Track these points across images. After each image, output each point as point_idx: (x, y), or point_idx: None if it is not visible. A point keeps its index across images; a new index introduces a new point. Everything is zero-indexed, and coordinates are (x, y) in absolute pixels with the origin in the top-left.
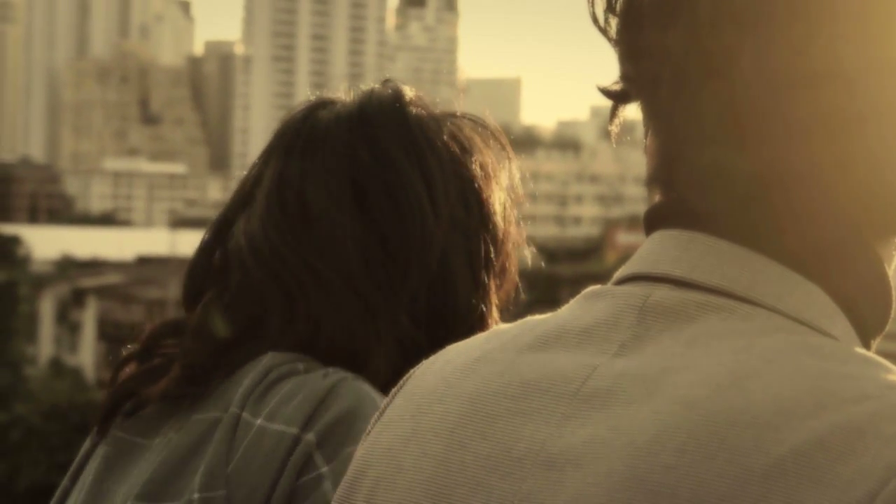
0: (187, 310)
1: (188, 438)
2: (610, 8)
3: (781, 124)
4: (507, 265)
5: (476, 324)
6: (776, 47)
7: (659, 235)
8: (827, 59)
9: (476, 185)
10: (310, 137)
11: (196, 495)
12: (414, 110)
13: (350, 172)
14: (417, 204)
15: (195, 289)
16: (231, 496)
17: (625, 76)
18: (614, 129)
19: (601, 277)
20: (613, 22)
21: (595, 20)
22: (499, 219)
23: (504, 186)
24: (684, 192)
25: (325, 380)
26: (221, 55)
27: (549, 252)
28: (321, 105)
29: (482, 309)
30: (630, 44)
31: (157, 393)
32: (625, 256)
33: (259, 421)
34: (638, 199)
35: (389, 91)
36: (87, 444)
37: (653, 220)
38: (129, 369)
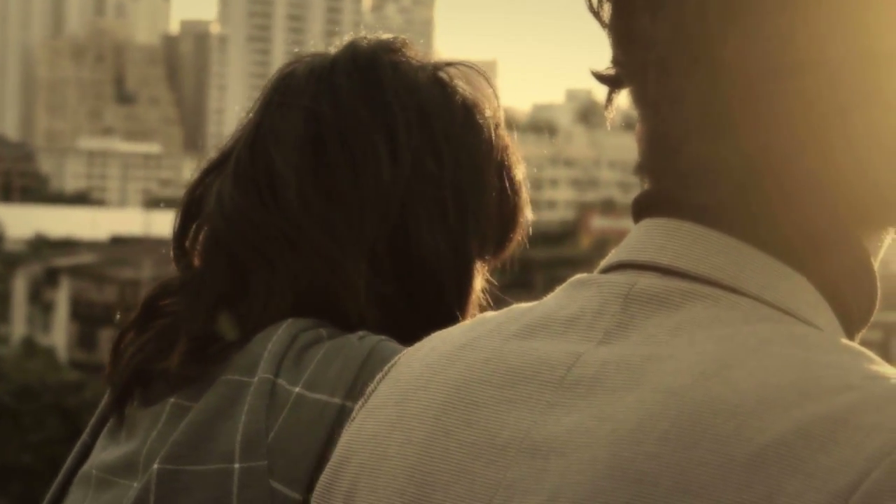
0: (179, 268)
1: (213, 401)
2: None
3: (765, 113)
4: (504, 223)
5: (449, 279)
6: (761, 36)
7: (646, 224)
8: (811, 49)
9: (461, 137)
10: (284, 92)
11: (237, 465)
12: (392, 58)
13: (311, 127)
14: (372, 153)
15: (181, 249)
16: (273, 466)
17: (615, 61)
18: (610, 114)
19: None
20: (606, 6)
21: (589, 4)
22: (485, 171)
23: (496, 139)
24: (671, 181)
25: (361, 343)
26: (197, 34)
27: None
28: (306, 59)
29: (458, 263)
30: (621, 29)
31: (171, 370)
32: (599, 240)
33: (297, 389)
34: (612, 183)
35: (368, 42)
36: (102, 411)
37: (640, 209)
38: (130, 339)
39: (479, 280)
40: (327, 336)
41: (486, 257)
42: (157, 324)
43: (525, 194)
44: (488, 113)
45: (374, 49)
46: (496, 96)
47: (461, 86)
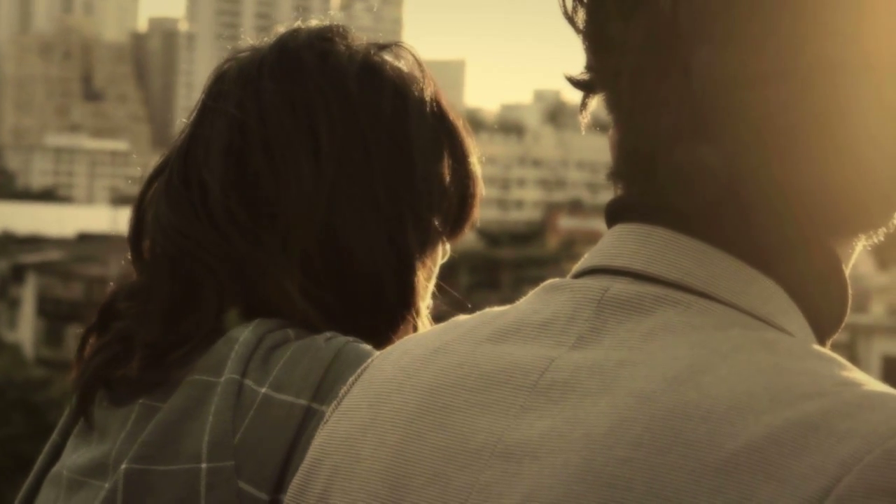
0: (137, 272)
1: (181, 401)
2: None
3: (736, 121)
4: (456, 202)
5: (387, 272)
6: (733, 44)
7: (619, 229)
8: (782, 58)
9: (391, 125)
10: (215, 97)
11: (204, 465)
12: (323, 48)
13: (236, 137)
14: (293, 161)
15: (137, 253)
16: (240, 467)
17: (589, 67)
18: (584, 119)
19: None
20: (580, 12)
21: (564, 10)
22: (420, 155)
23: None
24: (644, 187)
25: (328, 345)
26: (165, 32)
27: (491, 235)
28: (240, 55)
29: (396, 254)
30: (594, 35)
31: (127, 380)
32: (566, 241)
33: (264, 390)
34: (580, 183)
35: (299, 34)
36: (62, 426)
37: (614, 214)
38: (91, 343)
39: (426, 270)
40: (294, 337)
41: (433, 243)
42: (114, 328)
43: (475, 168)
44: (423, 94)
45: (302, 44)
46: (430, 75)
47: (393, 69)
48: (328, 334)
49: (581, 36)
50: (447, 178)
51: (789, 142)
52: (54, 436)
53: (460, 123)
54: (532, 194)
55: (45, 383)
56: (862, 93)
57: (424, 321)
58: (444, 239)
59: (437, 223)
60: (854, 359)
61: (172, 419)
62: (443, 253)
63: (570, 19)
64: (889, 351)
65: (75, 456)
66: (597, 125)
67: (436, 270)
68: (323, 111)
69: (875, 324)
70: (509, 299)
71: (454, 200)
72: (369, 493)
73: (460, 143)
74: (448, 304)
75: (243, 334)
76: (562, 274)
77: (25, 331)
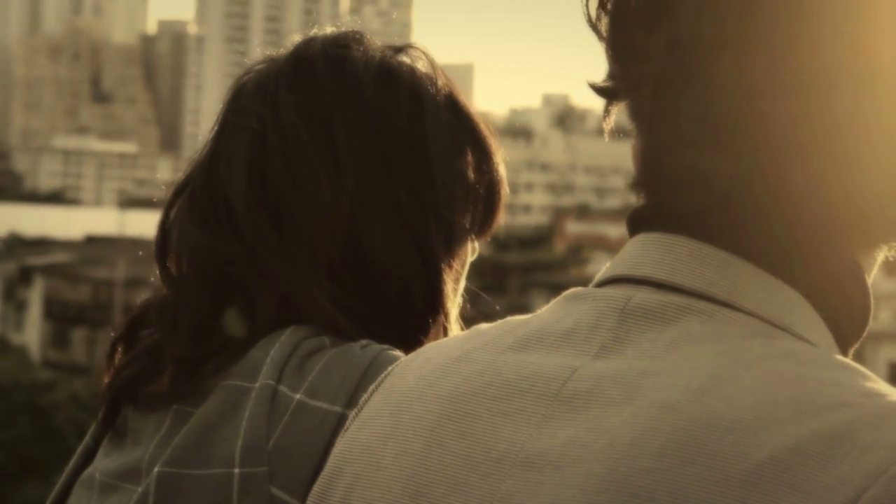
0: (167, 288)
1: (215, 406)
2: (602, 6)
3: (758, 131)
4: (483, 200)
5: (413, 276)
6: (756, 55)
7: (641, 238)
8: (804, 70)
9: (409, 129)
10: (235, 111)
11: (237, 470)
12: (339, 55)
13: (257, 151)
14: (312, 174)
15: (165, 270)
16: (273, 473)
17: (612, 75)
18: (607, 126)
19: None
20: (604, 20)
21: (588, 18)
22: (441, 157)
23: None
24: (666, 196)
25: (363, 352)
26: (174, 34)
27: (499, 240)
28: (258, 67)
29: (422, 258)
30: (617, 44)
31: (158, 394)
32: (574, 245)
33: (299, 396)
34: (588, 188)
35: (315, 43)
36: (95, 430)
37: (636, 223)
38: (119, 354)
39: (453, 272)
40: (330, 344)
41: (459, 243)
42: (143, 341)
43: (500, 165)
44: (440, 94)
45: (318, 54)
46: (446, 75)
47: (409, 72)
48: (363, 342)
49: (604, 44)
50: (471, 177)
51: (809, 152)
52: (87, 439)
53: (482, 122)
54: (540, 199)
55: (51, 386)
56: (882, 103)
57: (454, 325)
58: (473, 237)
59: (464, 222)
60: (864, 366)
61: (206, 423)
62: (472, 252)
63: (594, 27)
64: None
65: (108, 460)
66: (604, 131)
67: (465, 271)
68: (340, 121)
69: (882, 330)
70: (517, 304)
71: (481, 198)
72: (390, 501)
73: (482, 140)
74: (476, 310)
75: (279, 341)
76: (569, 278)
77: (32, 333)
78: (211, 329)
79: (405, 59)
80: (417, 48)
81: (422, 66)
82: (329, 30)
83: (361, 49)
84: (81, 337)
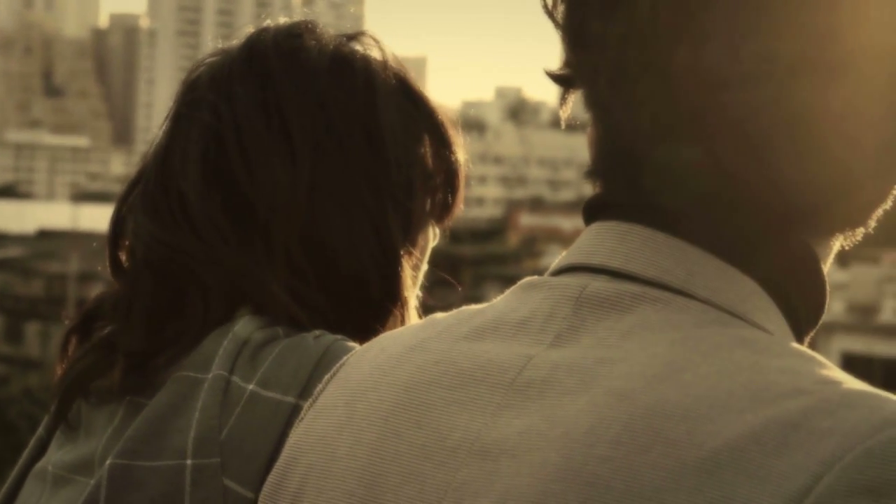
0: (118, 283)
1: (167, 397)
2: None
3: (714, 122)
4: (442, 185)
5: (371, 264)
6: (713, 45)
7: (597, 227)
8: (760, 60)
9: (364, 116)
10: (189, 104)
11: (189, 462)
12: (292, 46)
13: (212, 145)
14: (268, 164)
15: (116, 266)
16: (226, 464)
17: (568, 63)
18: (564, 113)
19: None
20: (560, 7)
21: (544, 5)
22: (397, 143)
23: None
24: (622, 185)
25: (317, 343)
26: (126, 28)
27: (452, 232)
28: (210, 60)
29: (380, 244)
30: (573, 32)
31: (109, 387)
32: (527, 238)
33: (251, 387)
34: (541, 181)
35: (267, 35)
36: (48, 422)
37: (591, 212)
38: (73, 347)
39: (412, 259)
40: (283, 334)
41: (418, 229)
42: (96, 335)
43: (459, 150)
44: (393, 80)
45: (270, 45)
46: (400, 62)
47: (363, 60)
48: (317, 332)
49: (560, 31)
50: (430, 163)
51: (766, 142)
52: (40, 431)
53: (439, 109)
54: (493, 191)
55: (4, 380)
56: (840, 93)
57: (413, 314)
58: (434, 224)
59: (423, 209)
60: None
61: (159, 415)
62: (433, 237)
63: (550, 14)
64: (848, 348)
65: (61, 453)
66: (557, 122)
67: (425, 258)
68: (294, 111)
69: (835, 321)
70: (470, 297)
71: (440, 185)
72: (345, 491)
73: (439, 127)
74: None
75: (232, 331)
76: (522, 271)
77: None
78: (163, 321)
79: (358, 47)
80: (370, 36)
81: (375, 53)
82: (282, 20)
83: (314, 38)
84: (35, 331)
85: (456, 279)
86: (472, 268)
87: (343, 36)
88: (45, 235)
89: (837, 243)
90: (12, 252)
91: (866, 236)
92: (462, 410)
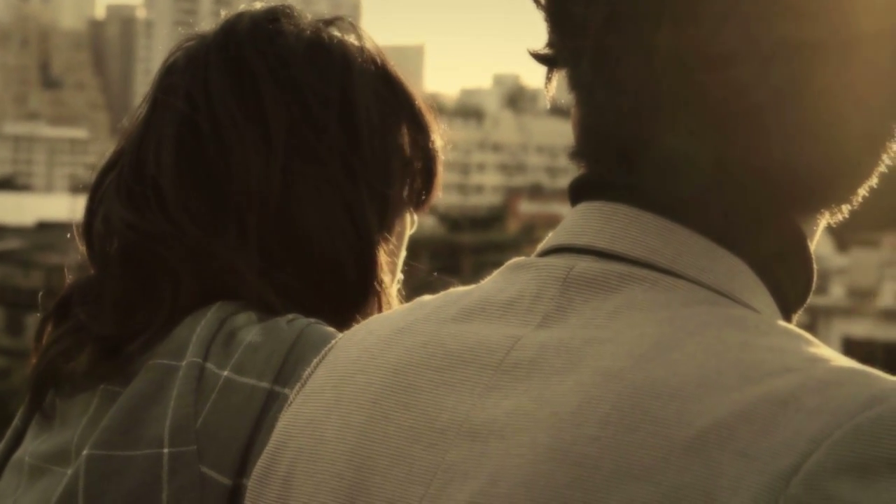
0: (93, 265)
1: (142, 385)
2: None
3: (698, 101)
4: (419, 171)
5: (345, 248)
6: (693, 25)
7: (583, 207)
8: (742, 39)
9: (341, 101)
10: (165, 89)
11: (166, 450)
12: (271, 30)
13: (187, 131)
14: (242, 150)
15: (91, 248)
16: (202, 451)
17: (551, 44)
18: (549, 92)
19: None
20: None
21: None
22: (374, 128)
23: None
24: (606, 165)
25: (290, 326)
26: (123, 19)
27: (452, 220)
28: (188, 44)
29: (356, 229)
30: (556, 14)
31: (79, 372)
32: (527, 225)
33: (226, 373)
34: (540, 168)
35: (245, 19)
36: (23, 412)
37: (577, 192)
38: (48, 332)
39: (388, 244)
40: (257, 319)
41: (395, 215)
42: (68, 321)
43: (437, 138)
44: (370, 66)
45: (246, 31)
46: (377, 48)
47: (340, 45)
48: (290, 316)
49: (543, 13)
50: (407, 150)
51: (751, 122)
52: (16, 421)
53: (417, 95)
54: (492, 179)
55: (5, 373)
56: (826, 71)
57: (392, 297)
58: (411, 211)
59: (400, 195)
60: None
61: (134, 404)
62: (411, 224)
63: None
64: (848, 332)
65: (37, 443)
66: (556, 110)
67: (404, 243)
68: (270, 96)
69: (834, 305)
70: (470, 284)
71: (418, 171)
72: (334, 474)
73: (417, 113)
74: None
75: (204, 318)
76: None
77: None
78: (134, 307)
79: (336, 32)
80: (348, 21)
81: (353, 39)
82: (258, 5)
83: (291, 24)
84: (35, 323)
85: (456, 266)
86: (472, 255)
87: (320, 21)
88: (44, 227)
89: (824, 220)
90: (12, 244)
91: (866, 220)
92: (450, 392)
